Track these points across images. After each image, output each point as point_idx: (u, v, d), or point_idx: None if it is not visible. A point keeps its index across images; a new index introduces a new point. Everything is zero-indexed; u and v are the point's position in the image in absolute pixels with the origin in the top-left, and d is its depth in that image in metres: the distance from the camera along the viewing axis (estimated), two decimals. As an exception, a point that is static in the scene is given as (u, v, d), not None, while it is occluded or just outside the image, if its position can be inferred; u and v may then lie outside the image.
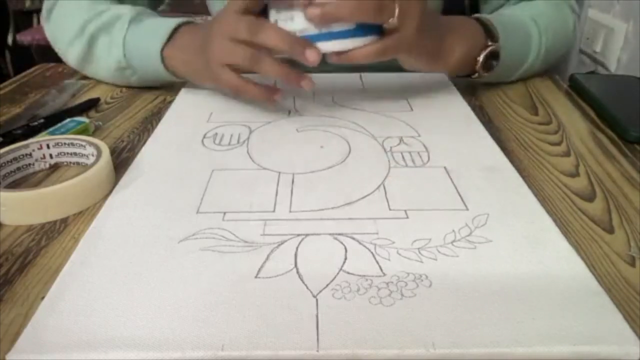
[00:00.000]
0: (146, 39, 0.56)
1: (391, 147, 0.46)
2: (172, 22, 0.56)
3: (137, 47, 0.57)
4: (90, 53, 0.60)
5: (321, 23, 0.44)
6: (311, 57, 0.45)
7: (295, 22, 0.45)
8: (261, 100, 0.52)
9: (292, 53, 0.46)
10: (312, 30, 0.45)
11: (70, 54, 0.62)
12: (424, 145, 0.47)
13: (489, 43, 0.56)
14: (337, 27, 0.45)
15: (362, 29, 0.45)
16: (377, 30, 0.46)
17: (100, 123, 0.53)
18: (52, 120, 0.50)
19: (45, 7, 0.64)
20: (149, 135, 0.49)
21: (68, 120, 0.50)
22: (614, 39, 0.83)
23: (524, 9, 0.63)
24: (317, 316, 0.28)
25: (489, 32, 0.57)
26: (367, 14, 0.44)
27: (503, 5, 0.68)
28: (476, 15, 0.59)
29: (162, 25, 0.56)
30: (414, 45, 0.48)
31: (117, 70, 0.59)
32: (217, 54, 0.48)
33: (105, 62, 0.59)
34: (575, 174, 0.44)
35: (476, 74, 0.58)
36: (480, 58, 0.56)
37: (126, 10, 0.58)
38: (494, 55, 0.57)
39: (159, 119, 0.53)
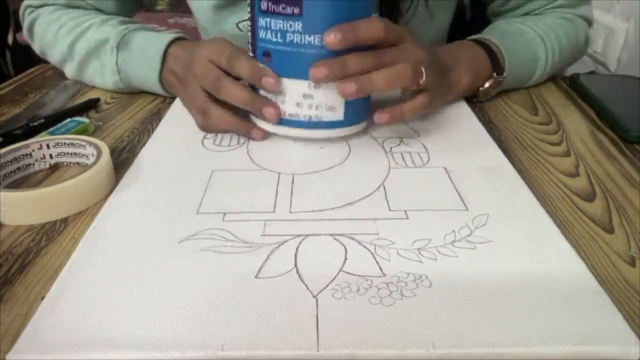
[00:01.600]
0: (140, 67, 0.56)
1: (391, 148, 0.46)
2: (159, 45, 0.54)
3: (132, 73, 0.57)
4: (83, 74, 0.61)
5: (354, 96, 0.41)
6: (268, 113, 0.44)
7: (286, 104, 0.44)
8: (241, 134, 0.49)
9: (252, 110, 0.45)
10: (301, 117, 0.44)
11: (64, 70, 0.63)
12: (424, 146, 0.47)
13: (495, 75, 0.55)
14: (327, 117, 0.44)
15: (350, 119, 0.45)
16: (363, 117, 0.47)
17: (100, 123, 0.53)
18: (52, 120, 0.50)
19: (25, 25, 0.65)
20: (149, 136, 0.49)
21: (68, 120, 0.50)
22: (614, 39, 0.83)
23: (535, 24, 0.60)
24: (317, 316, 0.28)
25: (495, 61, 0.55)
26: (406, 81, 0.42)
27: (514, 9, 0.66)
28: (485, 38, 0.57)
29: (151, 49, 0.55)
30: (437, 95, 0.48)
31: (114, 89, 0.60)
32: (190, 101, 0.49)
33: (101, 82, 0.60)
34: (575, 174, 0.44)
35: (475, 99, 0.57)
36: (482, 88, 0.56)
37: (109, 34, 0.56)
38: (496, 83, 0.56)
39: (159, 119, 0.53)
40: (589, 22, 0.66)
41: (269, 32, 0.42)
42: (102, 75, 0.59)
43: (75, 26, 0.59)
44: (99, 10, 0.63)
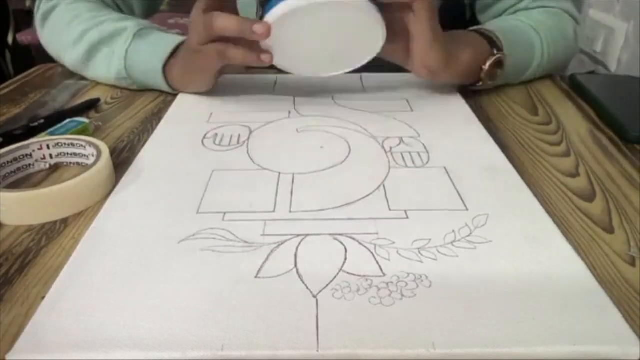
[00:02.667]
0: (149, 56, 0.57)
1: (391, 148, 0.46)
2: (174, 39, 0.57)
3: (139, 61, 0.57)
4: (88, 60, 0.61)
5: None
6: (259, 30, 0.45)
7: None
8: (250, 62, 0.50)
9: (242, 32, 0.46)
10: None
11: (67, 57, 0.63)
12: (424, 146, 0.47)
13: (495, 52, 0.56)
14: None
15: None
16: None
17: (100, 123, 0.53)
18: (52, 120, 0.50)
19: (40, 11, 0.65)
20: (149, 136, 0.49)
21: (68, 120, 0.50)
22: (614, 39, 0.83)
23: (523, 19, 0.62)
24: (317, 316, 0.28)
25: (492, 43, 0.56)
26: None
27: (502, 12, 0.68)
28: (477, 27, 0.59)
29: (165, 42, 0.56)
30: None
31: (116, 79, 0.60)
32: (192, 39, 0.51)
33: (104, 71, 0.60)
34: (575, 174, 0.44)
35: (481, 83, 0.57)
36: (486, 67, 0.56)
37: (130, 24, 0.58)
38: (498, 64, 0.56)
39: (159, 119, 0.53)
40: (575, 18, 0.66)
41: None
42: (108, 64, 0.59)
43: (92, 18, 0.60)
44: (119, 7, 0.65)
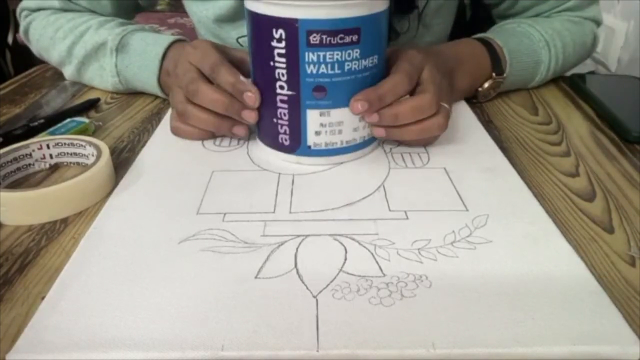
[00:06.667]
0: (140, 70, 0.56)
1: (391, 149, 0.46)
2: (158, 49, 0.54)
3: (132, 77, 0.57)
4: (83, 76, 0.61)
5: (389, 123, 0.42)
6: (246, 115, 0.42)
7: (343, 134, 0.42)
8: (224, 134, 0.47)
9: (230, 113, 0.43)
10: (358, 140, 0.43)
11: (63, 72, 0.63)
12: (424, 146, 0.47)
13: (494, 76, 0.55)
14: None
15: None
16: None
17: (101, 123, 0.53)
18: (52, 120, 0.50)
19: (21, 27, 0.65)
20: (149, 136, 0.49)
21: (68, 120, 0.50)
22: (614, 39, 0.83)
23: (543, 27, 0.59)
24: (317, 316, 0.28)
25: (496, 61, 0.55)
26: (430, 111, 0.42)
27: (514, 5, 0.66)
28: (485, 36, 0.57)
29: (150, 53, 0.55)
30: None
31: (114, 90, 0.60)
32: (171, 102, 0.47)
33: (101, 84, 0.60)
34: (575, 174, 0.44)
35: (474, 100, 0.57)
36: (482, 89, 0.56)
37: (108, 36, 0.56)
38: (495, 85, 0.56)
39: (159, 120, 0.53)
40: (597, 22, 0.65)
41: (322, 66, 0.39)
42: (101, 77, 0.59)
43: (73, 28, 0.59)
44: (95, 13, 0.63)
